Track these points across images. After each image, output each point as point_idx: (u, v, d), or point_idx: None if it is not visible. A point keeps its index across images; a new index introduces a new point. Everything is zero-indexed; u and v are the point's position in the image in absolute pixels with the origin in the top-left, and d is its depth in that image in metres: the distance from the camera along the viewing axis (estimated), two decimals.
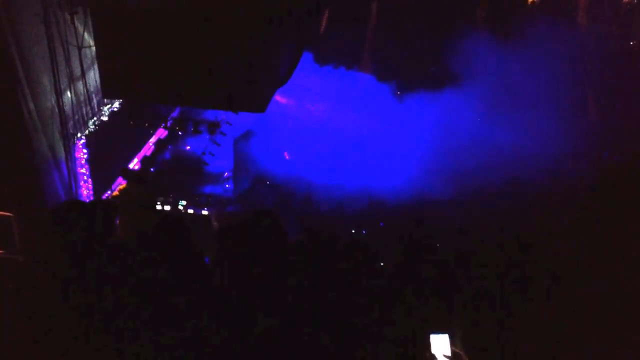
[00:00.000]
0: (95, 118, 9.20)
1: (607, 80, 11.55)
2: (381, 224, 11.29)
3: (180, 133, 11.35)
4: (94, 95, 8.97)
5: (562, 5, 12.30)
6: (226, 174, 11.97)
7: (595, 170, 11.26)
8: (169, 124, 10.94)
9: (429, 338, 3.12)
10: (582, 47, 11.64)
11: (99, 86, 8.03)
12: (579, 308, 3.32)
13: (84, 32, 8.05)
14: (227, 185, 11.93)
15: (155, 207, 9.39)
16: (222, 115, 10.91)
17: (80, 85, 8.52)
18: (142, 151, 11.18)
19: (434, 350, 3.13)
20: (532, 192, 10.71)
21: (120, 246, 3.32)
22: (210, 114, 11.08)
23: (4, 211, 6.43)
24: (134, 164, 10.81)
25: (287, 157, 12.91)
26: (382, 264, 3.80)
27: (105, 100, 9.29)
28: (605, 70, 11.64)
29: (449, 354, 3.15)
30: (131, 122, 10.66)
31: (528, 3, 12.84)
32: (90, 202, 7.24)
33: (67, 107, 8.28)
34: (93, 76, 8.68)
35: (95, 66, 8.26)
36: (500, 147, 11.10)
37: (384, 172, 11.87)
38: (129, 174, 7.96)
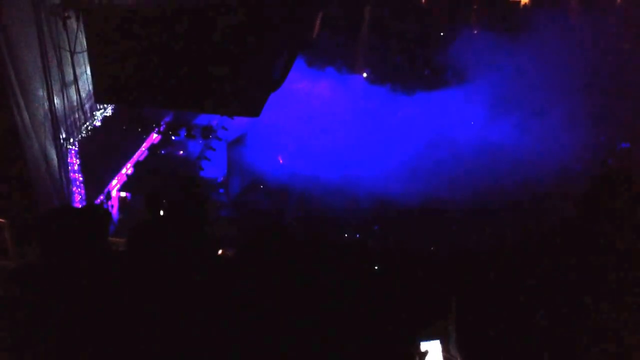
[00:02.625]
0: (88, 123, 9.15)
1: (607, 81, 11.59)
2: (375, 227, 11.30)
3: (173, 138, 11.32)
4: (86, 100, 8.92)
5: (559, 5, 12.35)
6: (220, 178, 11.95)
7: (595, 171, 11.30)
8: (162, 129, 10.89)
9: (419, 345, 3.10)
10: (581, 47, 11.69)
11: (92, 91, 8.02)
12: (577, 308, 3.32)
13: (76, 37, 8.01)
14: (221, 190, 11.91)
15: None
16: (215, 119, 10.90)
17: (72, 91, 8.47)
18: (135, 156, 11.14)
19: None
20: (533, 192, 10.75)
21: (112, 254, 3.29)
22: (203, 119, 11.06)
23: None
24: (128, 169, 10.76)
25: (281, 162, 12.91)
26: (375, 267, 3.79)
27: (98, 105, 9.24)
28: (606, 71, 11.69)
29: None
30: (124, 127, 10.62)
31: (521, 5, 12.92)
32: (83, 207, 7.19)
33: (60, 113, 8.24)
34: (86, 81, 8.64)
35: (88, 71, 8.22)
36: (498, 148, 11.15)
37: (382, 176, 11.89)
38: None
